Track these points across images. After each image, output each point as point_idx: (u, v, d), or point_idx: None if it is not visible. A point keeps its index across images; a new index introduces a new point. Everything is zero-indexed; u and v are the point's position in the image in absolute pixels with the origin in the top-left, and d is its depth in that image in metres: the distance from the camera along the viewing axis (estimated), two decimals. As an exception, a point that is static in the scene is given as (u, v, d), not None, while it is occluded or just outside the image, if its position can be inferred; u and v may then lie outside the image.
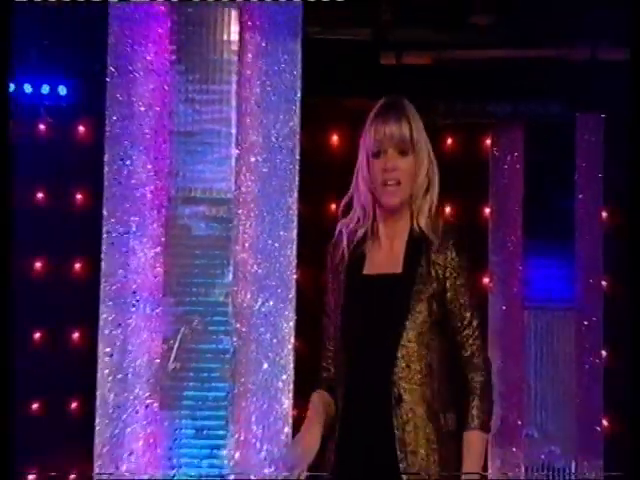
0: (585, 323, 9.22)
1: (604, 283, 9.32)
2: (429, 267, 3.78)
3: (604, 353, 9.25)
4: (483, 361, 3.79)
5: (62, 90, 9.23)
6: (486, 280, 9.45)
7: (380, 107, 3.93)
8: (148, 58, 6.42)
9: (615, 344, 9.27)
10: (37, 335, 9.26)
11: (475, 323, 3.80)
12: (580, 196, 9.28)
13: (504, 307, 9.29)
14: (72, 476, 8.22)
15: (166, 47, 6.42)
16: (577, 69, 8.62)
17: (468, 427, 3.77)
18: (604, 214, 9.38)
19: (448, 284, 3.77)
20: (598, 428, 9.13)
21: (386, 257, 3.86)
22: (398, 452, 3.72)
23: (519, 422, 9.18)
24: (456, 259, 3.80)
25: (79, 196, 8.83)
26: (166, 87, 6.43)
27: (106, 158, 6.39)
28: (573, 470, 9.01)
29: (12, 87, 9.23)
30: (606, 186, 9.49)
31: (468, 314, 3.79)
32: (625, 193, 8.93)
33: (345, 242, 3.96)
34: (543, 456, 9.03)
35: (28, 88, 9.35)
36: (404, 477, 3.72)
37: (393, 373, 3.72)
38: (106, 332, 6.24)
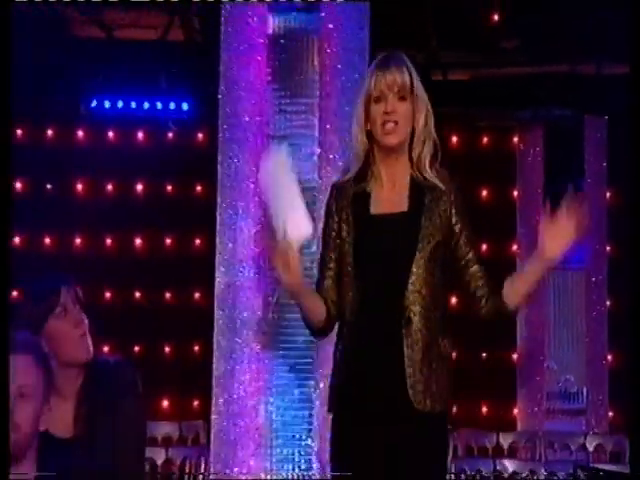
0: (593, 280, 9.18)
1: (608, 248, 9.22)
2: (433, 206, 3.39)
3: (608, 303, 9.13)
4: (487, 281, 3.36)
5: (185, 106, 9.26)
6: (515, 247, 9.35)
7: (381, 58, 3.47)
8: (250, 80, 6.41)
9: (616, 296, 9.20)
10: (168, 295, 9.25)
11: (476, 255, 3.42)
12: (589, 180, 9.25)
13: (529, 268, 9.28)
14: (195, 402, 8.04)
15: (264, 71, 6.42)
16: (585, 81, 8.51)
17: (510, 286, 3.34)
18: (607, 194, 9.26)
19: (454, 220, 3.39)
20: (604, 361, 9.07)
21: (390, 198, 3.44)
22: (407, 368, 3.33)
23: (541, 357, 9.13)
24: (459, 200, 3.41)
25: (199, 187, 8.81)
26: (264, 101, 6.40)
27: (219, 158, 6.42)
28: (584, 394, 8.89)
29: (146, 105, 9.33)
30: (609, 172, 9.37)
31: (470, 247, 3.41)
32: (624, 178, 8.95)
33: (350, 185, 3.46)
34: (560, 384, 8.98)
35: (159, 105, 9.39)
36: (410, 392, 3.33)
37: (405, 298, 3.35)
38: (220, 291, 6.28)
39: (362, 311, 3.36)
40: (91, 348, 4.25)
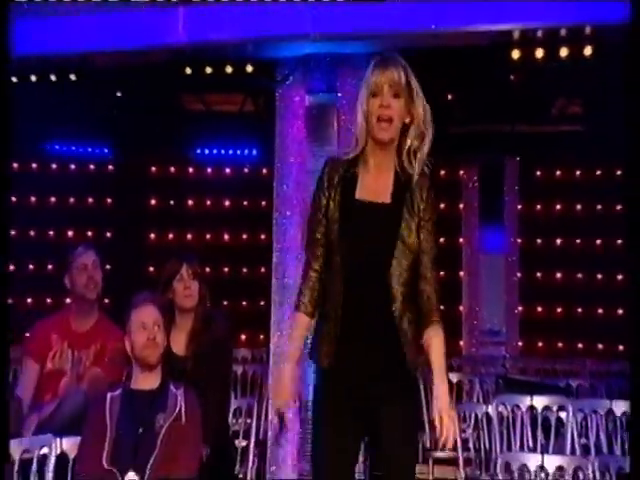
0: (509, 260, 9.10)
1: (519, 240, 9.13)
2: (412, 199, 2.59)
3: (518, 275, 9.03)
4: (433, 276, 2.61)
5: (254, 152, 9.41)
6: (461, 240, 9.26)
7: (379, 59, 2.65)
8: (294, 135, 6.38)
9: (524, 271, 9.14)
10: (244, 270, 9.28)
11: (432, 252, 2.62)
12: (506, 198, 9.14)
13: (470, 253, 9.23)
14: (261, 336, 8.02)
15: (302, 130, 6.37)
16: (503, 135, 8.44)
17: (432, 323, 2.59)
18: (519, 207, 9.16)
19: (421, 214, 2.59)
20: (515, 311, 9.02)
21: (375, 186, 2.61)
22: (402, 339, 2.54)
23: (477, 308, 9.10)
24: (430, 200, 2.61)
25: (263, 202, 8.79)
26: (303, 149, 6.35)
27: (275, 184, 6.38)
28: (504, 332, 8.87)
29: (231, 151, 9.44)
30: (520, 193, 9.17)
31: (430, 242, 2.61)
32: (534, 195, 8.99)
33: (340, 165, 2.65)
34: (489, 325, 8.92)
35: (239, 152, 9.58)
36: (407, 354, 2.56)
37: (388, 279, 2.55)
38: (275, 267, 6.23)
39: (350, 287, 2.53)
40: (194, 301, 4.26)
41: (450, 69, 7.07)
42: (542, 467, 3.74)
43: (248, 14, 5.69)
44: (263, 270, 8.64)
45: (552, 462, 3.74)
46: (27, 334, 4.75)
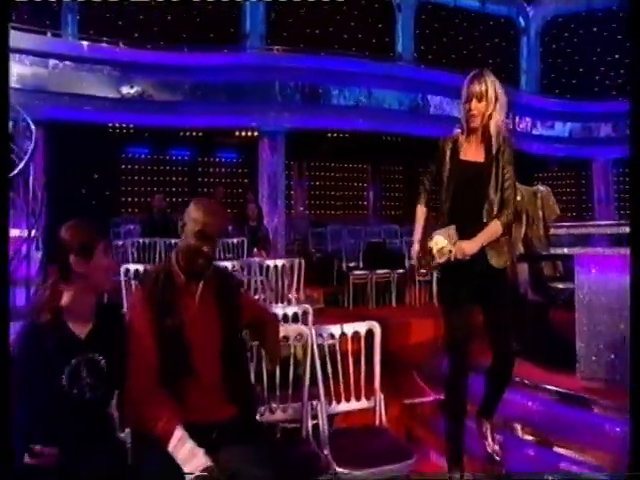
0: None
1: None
2: (497, 159, 2.69)
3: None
4: (509, 195, 2.70)
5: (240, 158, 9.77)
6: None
7: (471, 74, 2.72)
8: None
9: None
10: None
11: (511, 184, 2.72)
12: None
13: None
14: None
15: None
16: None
17: (495, 218, 2.65)
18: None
19: (505, 165, 2.68)
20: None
21: (474, 152, 2.73)
22: (487, 246, 2.65)
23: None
24: (509, 155, 2.69)
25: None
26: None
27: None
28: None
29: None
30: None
31: (510, 180, 2.71)
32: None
33: (451, 141, 2.75)
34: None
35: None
36: (489, 256, 2.66)
37: (484, 208, 2.64)
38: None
39: (454, 213, 2.69)
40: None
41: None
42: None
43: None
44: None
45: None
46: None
